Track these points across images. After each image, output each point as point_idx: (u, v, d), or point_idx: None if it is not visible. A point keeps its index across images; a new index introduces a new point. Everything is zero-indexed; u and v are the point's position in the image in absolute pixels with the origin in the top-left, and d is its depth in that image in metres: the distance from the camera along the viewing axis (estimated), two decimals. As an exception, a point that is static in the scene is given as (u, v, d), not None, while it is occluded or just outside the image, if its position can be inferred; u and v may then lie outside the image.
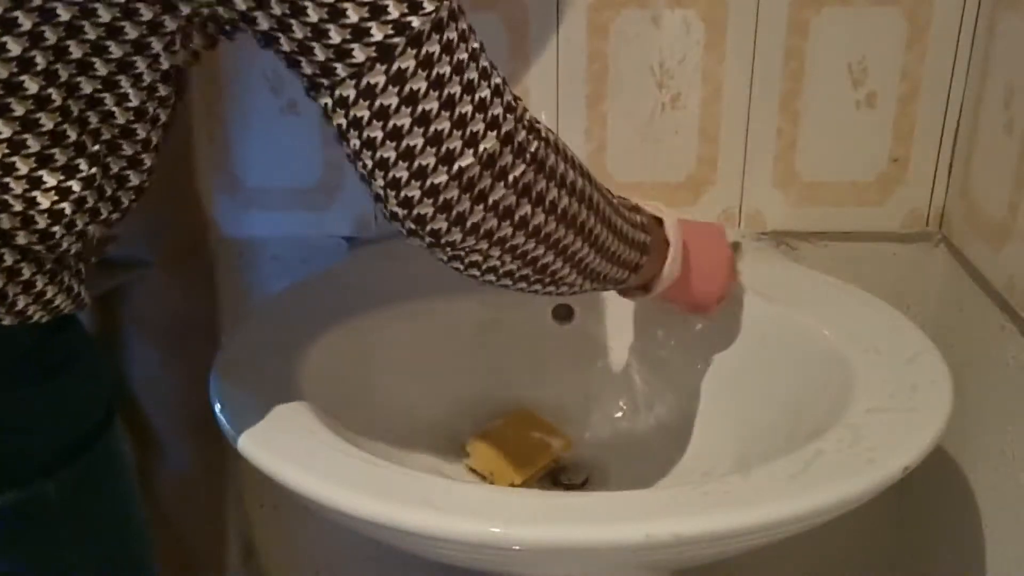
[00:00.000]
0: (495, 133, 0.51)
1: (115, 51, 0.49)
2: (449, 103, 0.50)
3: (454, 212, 0.52)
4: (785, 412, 0.77)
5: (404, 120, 0.49)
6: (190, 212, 0.90)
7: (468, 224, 0.53)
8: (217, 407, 0.70)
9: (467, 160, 0.50)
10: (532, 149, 0.53)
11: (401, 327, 0.84)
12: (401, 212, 0.52)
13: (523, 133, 0.53)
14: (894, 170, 0.92)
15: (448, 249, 0.55)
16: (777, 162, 0.93)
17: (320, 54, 0.48)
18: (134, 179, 0.54)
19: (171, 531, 0.88)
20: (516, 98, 0.53)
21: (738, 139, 0.92)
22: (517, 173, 0.53)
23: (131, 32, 0.49)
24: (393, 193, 0.51)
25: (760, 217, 0.95)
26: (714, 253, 0.78)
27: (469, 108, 0.50)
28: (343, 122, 0.50)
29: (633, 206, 0.68)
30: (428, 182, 0.51)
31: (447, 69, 0.49)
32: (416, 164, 0.50)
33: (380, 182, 0.51)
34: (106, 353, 0.79)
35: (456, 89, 0.50)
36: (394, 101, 0.49)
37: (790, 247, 0.96)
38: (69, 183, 0.50)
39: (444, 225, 0.52)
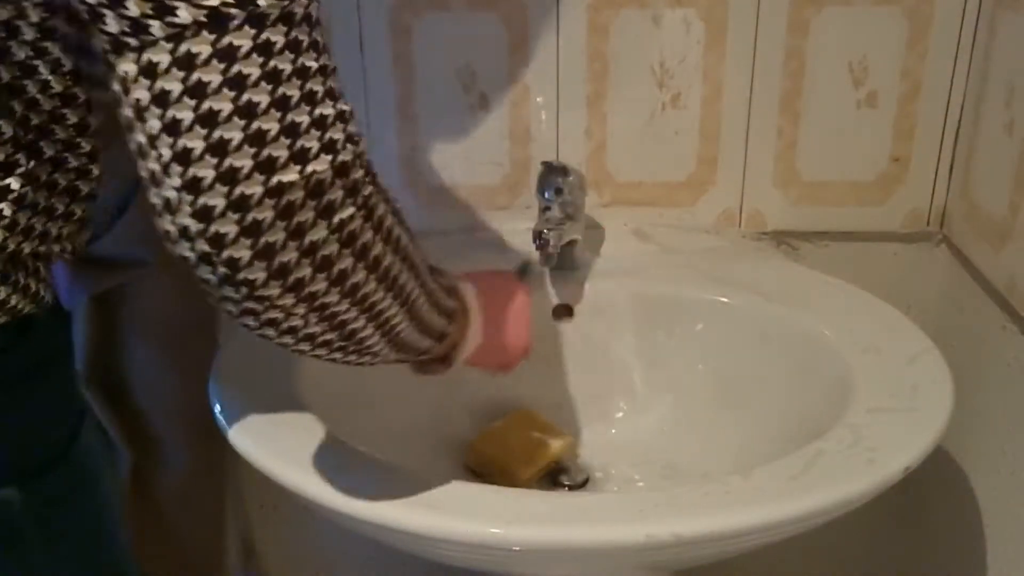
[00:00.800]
0: (330, 158, 0.44)
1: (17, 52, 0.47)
2: (283, 104, 0.42)
3: (262, 241, 0.42)
4: (785, 412, 0.77)
5: (224, 105, 0.41)
6: None
7: (276, 264, 0.43)
8: (217, 408, 0.70)
9: (290, 176, 0.42)
10: (366, 193, 0.46)
11: (401, 327, 0.84)
12: (195, 227, 0.42)
13: (360, 172, 0.45)
14: (895, 170, 0.92)
15: (244, 291, 0.44)
16: (777, 162, 0.93)
17: (134, 7, 0.40)
18: (73, 161, 0.51)
19: (171, 532, 0.87)
20: (360, 136, 0.46)
21: (738, 139, 0.92)
22: (345, 216, 0.45)
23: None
24: (189, 199, 0.41)
25: (760, 217, 0.95)
26: (512, 308, 0.71)
27: (306, 119, 0.43)
28: (144, 96, 0.41)
29: (437, 268, 0.61)
30: (237, 191, 0.41)
31: (288, 67, 0.42)
32: (227, 164, 0.41)
33: (175, 181, 0.41)
34: (106, 353, 0.79)
35: (294, 92, 0.42)
36: (215, 79, 0.41)
37: (790, 247, 0.96)
38: (7, 180, 0.48)
39: (247, 255, 0.42)
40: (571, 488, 0.81)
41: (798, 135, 0.91)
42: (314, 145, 0.43)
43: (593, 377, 0.88)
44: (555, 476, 0.82)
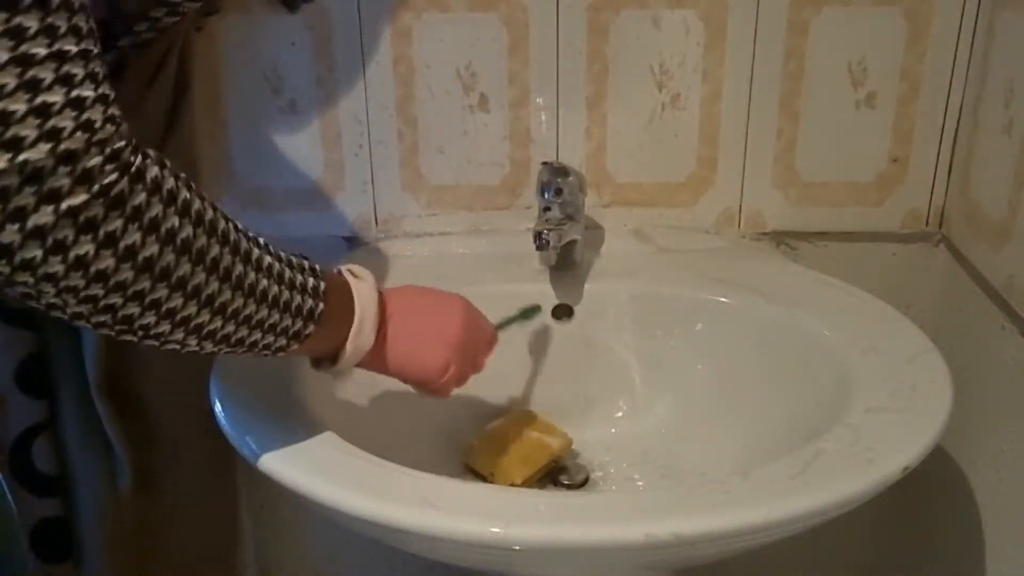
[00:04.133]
0: (49, 146, 0.43)
1: None
2: (32, 86, 0.42)
3: (11, 205, 0.43)
4: (785, 412, 0.77)
5: None
6: None
7: (30, 225, 0.44)
8: (217, 407, 0.70)
9: (38, 154, 0.43)
10: (106, 181, 0.45)
11: (401, 327, 0.84)
12: None
13: (97, 159, 0.45)
14: (894, 170, 0.92)
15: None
16: (777, 162, 0.93)
17: None
18: None
19: (184, 533, 0.87)
20: (105, 122, 0.45)
21: (738, 139, 0.92)
22: (76, 202, 0.44)
23: None
24: None
25: (760, 217, 0.95)
26: (430, 324, 0.69)
27: (21, 107, 0.42)
28: None
29: (310, 267, 0.60)
30: None
31: (3, 55, 0.42)
32: None
33: None
34: (117, 359, 0.79)
35: (8, 80, 0.42)
36: None
37: (790, 247, 0.96)
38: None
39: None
40: (571, 488, 0.81)
41: (797, 135, 0.91)
42: (30, 133, 0.43)
43: (593, 377, 0.88)
44: (555, 476, 0.82)
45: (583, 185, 0.87)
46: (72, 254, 0.45)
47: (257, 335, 0.56)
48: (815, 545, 1.02)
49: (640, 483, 0.82)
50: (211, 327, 0.53)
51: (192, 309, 0.51)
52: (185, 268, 0.50)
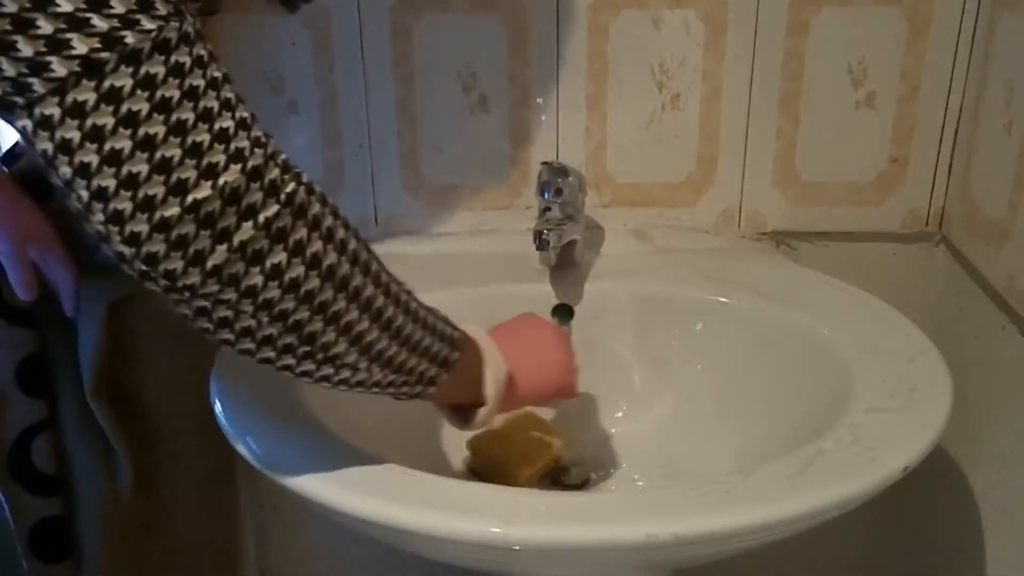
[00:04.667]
0: (239, 166, 0.47)
1: None
2: (179, 129, 0.45)
3: (191, 250, 0.46)
4: (785, 412, 0.77)
5: (123, 143, 0.44)
6: None
7: (209, 265, 0.47)
8: (217, 407, 0.70)
9: (204, 192, 0.46)
10: (288, 190, 0.49)
11: (401, 327, 0.84)
12: (128, 251, 0.46)
13: (275, 171, 0.48)
14: (894, 170, 0.92)
15: (188, 295, 0.48)
16: (777, 162, 0.93)
17: (9, 67, 0.43)
18: None
19: (181, 532, 0.87)
20: (268, 135, 0.49)
21: (738, 139, 0.92)
22: (269, 213, 0.48)
23: None
24: (116, 229, 0.46)
25: (760, 217, 0.95)
26: (530, 339, 0.73)
27: (206, 137, 0.46)
28: (48, 147, 0.44)
29: (443, 316, 0.63)
30: (157, 215, 0.45)
31: (175, 93, 0.45)
32: (141, 194, 0.45)
33: (99, 216, 0.46)
34: (117, 362, 0.79)
35: (188, 115, 0.46)
36: (109, 121, 0.44)
37: (790, 247, 0.96)
38: None
39: (180, 265, 0.47)
40: (570, 488, 0.81)
41: (797, 135, 0.91)
42: (220, 159, 0.46)
43: (593, 377, 0.88)
44: (555, 476, 0.82)
45: (583, 185, 0.87)
46: (269, 263, 0.49)
47: (422, 364, 0.60)
48: (815, 545, 1.02)
49: (640, 483, 0.82)
50: (379, 345, 0.56)
51: (363, 323, 0.54)
52: (348, 269, 0.53)
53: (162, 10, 0.45)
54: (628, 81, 0.90)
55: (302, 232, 0.49)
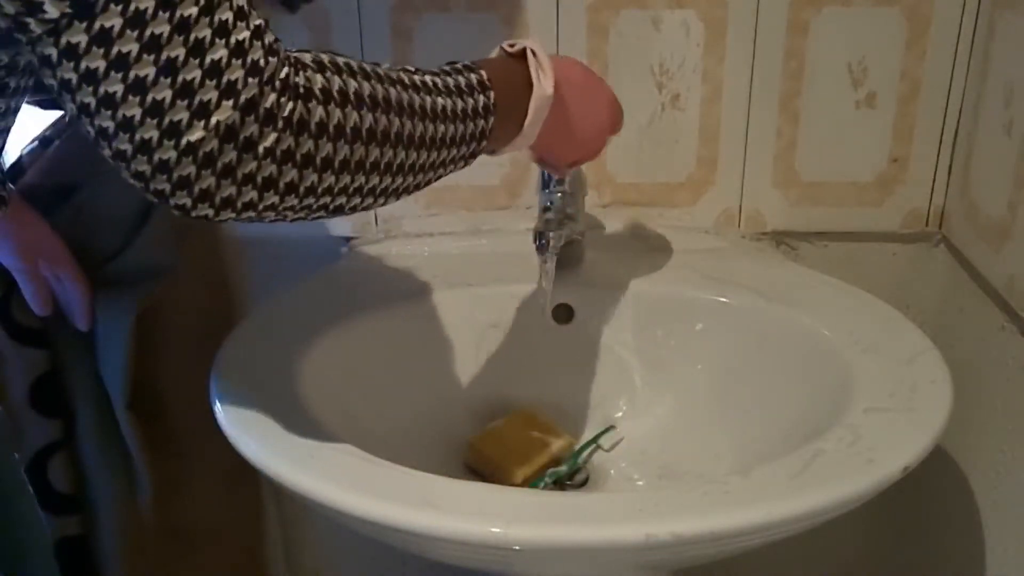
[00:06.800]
0: (231, 102, 0.46)
1: None
2: (169, 68, 0.45)
3: (196, 189, 0.47)
4: (785, 412, 0.77)
5: (116, 87, 0.45)
6: None
7: (219, 198, 0.48)
8: (217, 407, 0.70)
9: (197, 133, 0.46)
10: (285, 113, 0.48)
11: (401, 327, 0.84)
12: (138, 171, 0.47)
13: (272, 97, 0.48)
14: (894, 170, 0.92)
15: (211, 213, 0.49)
16: (777, 162, 0.93)
17: (8, 5, 0.43)
18: None
19: (207, 533, 0.87)
20: (268, 56, 0.48)
21: (738, 139, 0.92)
22: (268, 143, 0.48)
23: None
24: (144, 158, 0.46)
25: (760, 217, 0.95)
26: (588, 83, 0.72)
27: (197, 73, 0.45)
28: (72, 77, 0.44)
29: (464, 67, 0.61)
30: (156, 158, 0.46)
31: (165, 28, 0.44)
32: (138, 137, 0.45)
33: (127, 146, 0.46)
34: (141, 373, 0.79)
35: (178, 51, 0.45)
36: (101, 64, 0.44)
37: (790, 247, 0.96)
38: None
39: (188, 201, 0.48)
40: (571, 488, 0.81)
41: (797, 135, 0.91)
42: (212, 96, 0.46)
43: (593, 377, 0.88)
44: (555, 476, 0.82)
45: (583, 185, 0.87)
46: (282, 183, 0.49)
47: (457, 150, 0.59)
48: (815, 545, 1.02)
49: (640, 483, 0.82)
50: (423, 160, 0.56)
51: (387, 181, 0.55)
52: (375, 153, 0.53)
53: None
54: (628, 81, 0.90)
55: (320, 113, 0.49)
